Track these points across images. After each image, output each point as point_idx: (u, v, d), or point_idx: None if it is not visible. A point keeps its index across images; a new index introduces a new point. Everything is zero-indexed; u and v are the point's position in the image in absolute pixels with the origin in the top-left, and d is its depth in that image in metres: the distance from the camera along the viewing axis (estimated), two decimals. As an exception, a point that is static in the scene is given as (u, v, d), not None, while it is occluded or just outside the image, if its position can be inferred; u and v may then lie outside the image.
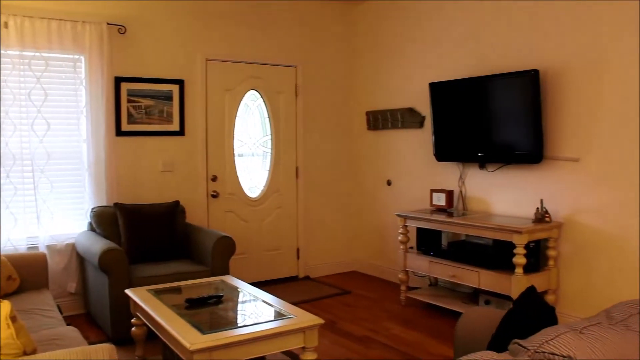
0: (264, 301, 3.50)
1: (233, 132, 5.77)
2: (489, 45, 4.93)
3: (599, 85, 4.18)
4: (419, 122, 5.60)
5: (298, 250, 6.24)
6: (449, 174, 5.33)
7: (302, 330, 3.07)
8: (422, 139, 5.60)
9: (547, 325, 1.99)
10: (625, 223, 4.07)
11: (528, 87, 4.43)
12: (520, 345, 1.58)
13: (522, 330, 2.05)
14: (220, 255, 4.59)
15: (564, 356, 1.47)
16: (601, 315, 1.88)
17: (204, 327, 2.97)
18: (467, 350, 2.57)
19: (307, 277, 6.27)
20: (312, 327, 3.10)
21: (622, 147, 4.06)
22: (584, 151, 4.29)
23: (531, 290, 2.27)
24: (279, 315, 3.21)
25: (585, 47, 4.25)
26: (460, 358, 1.51)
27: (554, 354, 1.48)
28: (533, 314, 2.16)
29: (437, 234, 5.15)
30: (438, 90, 5.17)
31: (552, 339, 1.53)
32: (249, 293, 3.71)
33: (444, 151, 5.17)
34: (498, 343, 2.11)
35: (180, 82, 5.38)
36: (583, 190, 4.30)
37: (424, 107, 5.53)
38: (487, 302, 4.66)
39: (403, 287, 5.20)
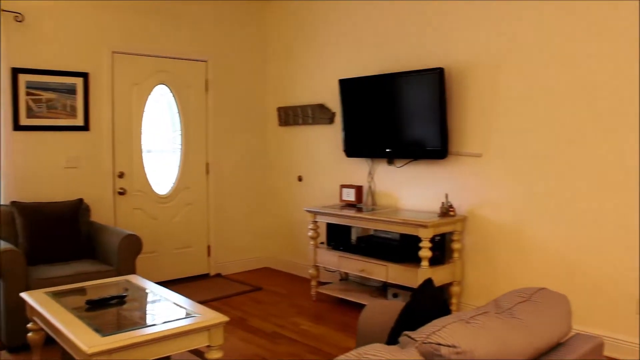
0: (169, 300, 3.43)
1: (141, 127, 5.61)
2: (398, 43, 5.03)
3: (498, 84, 4.35)
4: (329, 118, 5.65)
5: (209, 247, 6.15)
6: (358, 170, 5.41)
7: (207, 328, 3.03)
8: (333, 135, 5.65)
9: (441, 317, 2.05)
10: (522, 215, 4.27)
11: (434, 84, 4.55)
12: (409, 336, 1.61)
13: (419, 322, 2.10)
14: (126, 254, 4.46)
15: (449, 345, 1.51)
16: (490, 304, 1.95)
17: (104, 329, 2.87)
18: (369, 342, 2.61)
19: (218, 275, 6.19)
20: (217, 325, 3.06)
21: (520, 143, 4.25)
22: (486, 147, 4.46)
23: (428, 282, 2.33)
24: (183, 314, 3.15)
25: (486, 47, 4.41)
26: (350, 352, 1.52)
27: (440, 344, 1.52)
28: (429, 305, 2.21)
29: (347, 229, 5.21)
30: (347, 87, 5.23)
31: (439, 330, 1.57)
32: (154, 292, 3.62)
33: (354, 147, 5.23)
34: (396, 335, 2.15)
35: (85, 75, 5.17)
36: (485, 184, 4.48)
37: (334, 104, 5.58)
38: (395, 296, 4.77)
39: (314, 283, 5.23)
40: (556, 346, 1.91)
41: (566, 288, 4.07)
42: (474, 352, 1.52)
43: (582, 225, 3.98)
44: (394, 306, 2.70)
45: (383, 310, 2.71)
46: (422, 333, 1.59)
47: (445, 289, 4.68)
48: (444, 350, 1.51)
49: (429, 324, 1.65)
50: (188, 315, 3.12)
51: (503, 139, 4.35)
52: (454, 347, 1.51)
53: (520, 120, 4.25)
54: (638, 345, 3.76)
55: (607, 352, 3.90)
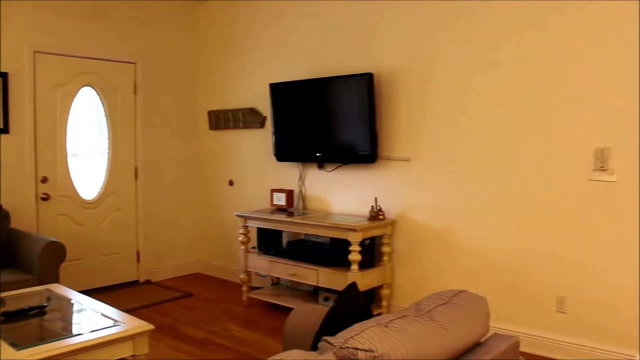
0: (92, 309, 3.32)
1: (66, 130, 5.43)
2: (328, 48, 5.06)
3: (427, 90, 4.44)
4: (260, 122, 5.62)
5: (138, 253, 6.01)
6: (289, 174, 5.41)
7: (131, 337, 2.95)
8: (264, 139, 5.63)
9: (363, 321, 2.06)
10: (450, 218, 4.37)
11: (363, 89, 4.60)
12: (327, 342, 1.61)
13: (343, 327, 2.11)
14: (48, 262, 4.30)
15: (366, 350, 1.52)
16: (411, 307, 1.98)
17: (20, 342, 2.75)
18: (295, 347, 2.60)
19: (148, 281, 6.06)
20: (142, 334, 2.99)
21: (447, 148, 4.35)
22: (414, 151, 4.54)
23: (352, 286, 2.34)
24: (106, 324, 3.06)
25: (415, 53, 4.50)
26: (269, 358, 1.51)
27: (357, 348, 1.53)
28: (353, 310, 2.23)
29: (278, 233, 5.20)
30: (278, 91, 5.22)
31: (357, 334, 1.58)
32: (77, 301, 3.50)
33: (284, 151, 5.23)
34: (320, 340, 2.16)
35: (4, 75, 4.96)
36: (414, 188, 4.56)
37: (265, 108, 5.57)
38: (326, 299, 4.79)
39: (245, 288, 5.19)
40: (474, 347, 1.95)
41: (491, 288, 4.19)
42: (390, 355, 1.53)
43: (507, 227, 4.11)
44: (321, 310, 2.71)
45: (309, 315, 2.71)
46: (340, 338, 1.60)
47: (375, 292, 4.74)
48: (361, 355, 1.52)
49: (348, 329, 1.65)
50: (111, 325, 3.03)
51: (431, 143, 4.44)
52: (371, 351, 1.52)
53: (448, 125, 4.35)
54: (558, 342, 3.91)
55: (529, 349, 4.04)
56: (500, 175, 4.11)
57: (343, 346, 1.56)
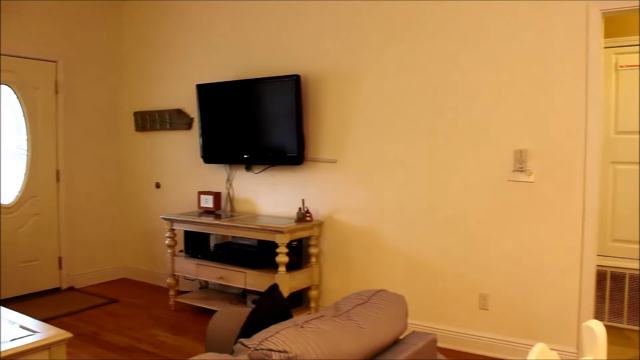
0: (7, 320, 3.17)
1: (-20, 131, 5.18)
2: (256, 49, 5.04)
3: (354, 92, 4.49)
4: (188, 124, 5.54)
5: (60, 259, 5.79)
6: (217, 176, 5.35)
7: (47, 347, 2.84)
8: (191, 140, 5.55)
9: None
10: (376, 220, 4.42)
11: (290, 91, 4.60)
12: (242, 344, 1.60)
13: (263, 329, 2.10)
14: (-41, 270, 4.09)
15: (280, 351, 1.52)
16: (330, 308, 1.99)
17: None
18: (217, 350, 2.57)
19: (71, 288, 5.85)
20: (59, 343, 2.88)
21: (373, 150, 4.41)
22: (341, 153, 4.58)
23: (273, 288, 2.34)
24: (21, 334, 2.93)
25: (342, 56, 4.54)
26: (180, 363, 1.49)
27: (271, 350, 1.53)
28: (273, 311, 2.22)
29: (205, 236, 5.13)
30: (205, 92, 5.16)
31: (272, 336, 1.58)
32: (-10, 310, 3.33)
33: (212, 153, 5.16)
34: (240, 342, 2.14)
35: None
36: (340, 190, 4.59)
37: (193, 109, 5.49)
38: (254, 302, 4.76)
39: (172, 292, 5.09)
40: (392, 345, 1.98)
41: (417, 287, 4.27)
42: (304, 355, 1.53)
43: (431, 227, 4.19)
44: (244, 313, 2.68)
45: (232, 318, 2.68)
46: (255, 340, 1.59)
47: (303, 293, 4.75)
48: (275, 356, 1.52)
49: (263, 331, 1.65)
50: (26, 335, 2.90)
51: (357, 145, 4.49)
52: (285, 352, 1.52)
53: (373, 127, 4.41)
54: (481, 338, 4.03)
55: (453, 346, 4.14)
56: (424, 176, 4.20)
57: (257, 348, 1.55)
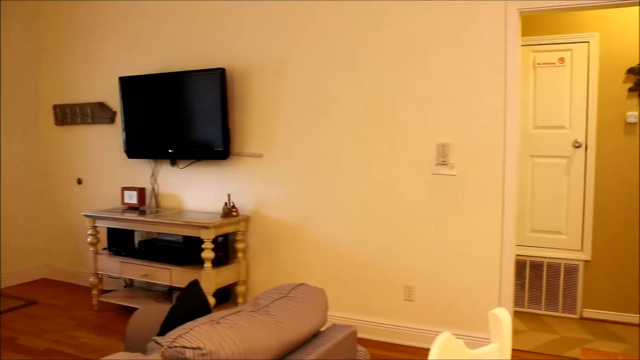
0: None
1: None
2: (181, 42, 4.93)
3: (280, 86, 4.46)
4: (110, 118, 5.37)
5: (-26, 260, 5.52)
6: (141, 171, 5.22)
7: (-46, 352, 2.69)
8: (114, 135, 5.39)
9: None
10: (303, 213, 4.42)
11: (216, 85, 4.53)
12: (156, 342, 1.56)
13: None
14: None
15: (194, 348, 1.49)
16: (250, 302, 1.97)
17: None
18: (137, 350, 2.51)
19: (-14, 290, 5.59)
20: (-33, 347, 2.73)
21: (300, 144, 4.40)
22: (267, 147, 4.55)
23: (193, 284, 2.29)
24: None
25: (269, 50, 4.50)
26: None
27: (185, 347, 1.49)
28: (193, 308, 2.18)
29: (129, 233, 5.00)
30: (128, 85, 5.01)
31: (186, 333, 1.54)
32: None
33: (135, 148, 5.03)
34: (158, 341, 2.09)
35: None
36: (267, 184, 4.56)
37: (115, 102, 5.33)
38: (180, 299, 4.67)
39: (95, 291, 4.93)
40: (311, 338, 1.98)
41: (344, 280, 4.30)
42: (219, 352, 1.51)
43: (357, 221, 4.23)
44: (164, 311, 2.62)
45: (153, 316, 2.62)
46: (168, 337, 1.55)
47: (231, 289, 4.70)
48: (189, 354, 1.48)
49: (178, 328, 1.61)
50: None
51: (284, 139, 4.47)
52: (199, 349, 1.49)
53: (300, 122, 4.40)
54: (406, 329, 4.10)
55: (379, 337, 4.19)
56: (350, 171, 4.23)
57: (171, 345, 1.51)
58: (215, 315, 1.71)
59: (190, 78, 4.69)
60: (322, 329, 2.10)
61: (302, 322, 1.86)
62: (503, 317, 1.20)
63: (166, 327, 2.13)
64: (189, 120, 4.72)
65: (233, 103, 4.66)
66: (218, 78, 4.51)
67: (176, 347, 1.50)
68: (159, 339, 1.56)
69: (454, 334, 3.95)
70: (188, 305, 2.17)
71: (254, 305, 1.92)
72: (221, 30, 4.71)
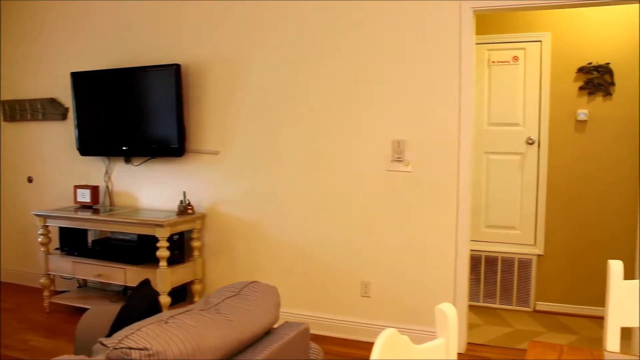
0: None
1: None
2: (135, 37, 4.84)
3: (236, 82, 4.42)
4: (62, 114, 5.24)
5: None
6: (94, 169, 5.10)
7: None
8: (66, 132, 5.26)
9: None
10: (260, 210, 4.39)
11: (170, 81, 4.47)
12: (101, 343, 1.52)
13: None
14: None
15: (140, 349, 1.46)
16: (201, 301, 1.94)
17: None
18: (86, 352, 2.45)
19: None
20: None
21: (256, 140, 4.37)
22: (223, 144, 4.50)
23: (144, 283, 2.25)
24: None
25: (224, 46, 4.45)
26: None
27: (131, 348, 1.46)
28: (143, 307, 2.14)
29: (83, 232, 4.89)
30: (81, 81, 4.89)
31: (132, 333, 1.51)
32: None
33: (88, 145, 4.91)
34: (107, 342, 2.04)
35: None
36: (223, 181, 4.52)
37: (67, 98, 5.20)
38: (136, 299, 4.59)
39: (46, 293, 4.81)
40: (263, 336, 1.96)
41: (301, 277, 4.29)
42: (167, 352, 1.48)
43: (315, 218, 4.22)
44: (115, 311, 2.57)
45: (103, 317, 2.56)
46: (114, 339, 1.51)
47: (187, 288, 4.64)
48: (134, 354, 1.45)
49: (125, 328, 1.57)
50: None
51: (241, 136, 4.43)
52: (146, 349, 1.46)
53: (257, 119, 4.37)
54: (363, 325, 4.11)
55: (336, 334, 4.20)
56: (307, 168, 4.22)
57: (116, 347, 1.48)
58: (164, 314, 1.68)
59: (144, 74, 4.60)
60: (275, 327, 2.09)
61: (253, 320, 1.84)
62: (449, 312, 1.21)
63: (116, 327, 2.09)
64: (144, 116, 4.64)
65: (189, 99, 4.60)
66: (173, 74, 4.45)
67: (122, 348, 1.46)
68: (105, 340, 1.52)
69: (410, 329, 4.00)
70: (138, 305, 2.13)
71: (204, 304, 1.89)
72: (175, 25, 4.64)
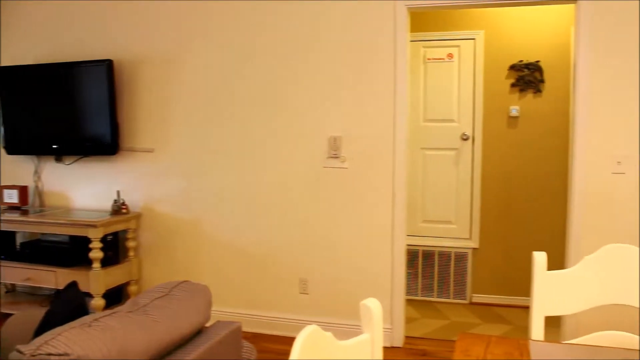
0: None
1: None
2: (68, 31, 4.67)
3: (172, 79, 4.33)
4: (-13, 112, 5.02)
5: None
6: (23, 169, 4.90)
7: None
8: (-8, 130, 5.04)
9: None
10: (197, 209, 4.33)
11: (103, 77, 4.34)
12: (18, 350, 1.45)
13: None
14: None
15: (60, 354, 1.40)
16: (129, 302, 1.89)
17: None
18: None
19: None
20: None
21: (193, 138, 4.30)
22: (159, 142, 4.41)
23: (70, 286, 2.18)
24: None
25: (159, 41, 4.35)
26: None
27: (50, 354, 1.40)
28: (70, 311, 2.07)
29: (10, 235, 4.70)
30: (8, 76, 4.69)
31: (52, 339, 1.45)
32: None
33: (16, 143, 4.72)
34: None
35: None
36: (159, 179, 4.43)
37: (-7, 95, 4.98)
38: (68, 302, 4.44)
39: (-28, 298, 4.61)
40: (194, 336, 1.93)
41: (240, 276, 4.26)
42: (89, 356, 1.43)
43: (253, 215, 4.19)
44: (40, 316, 2.48)
45: (29, 321, 2.47)
46: (33, 345, 1.45)
47: (123, 289, 4.53)
48: (54, 360, 1.40)
49: (45, 334, 1.51)
50: None
51: (177, 134, 4.35)
52: (66, 354, 1.41)
53: (193, 116, 4.29)
54: (301, 322, 4.11)
55: (275, 332, 4.18)
56: (245, 165, 4.18)
57: (34, 353, 1.42)
58: (88, 318, 1.62)
59: (76, 70, 4.46)
60: (207, 326, 2.05)
61: (182, 320, 1.80)
62: (373, 307, 1.21)
63: (40, 333, 2.01)
64: (75, 114, 4.49)
65: (122, 96, 4.48)
66: (105, 70, 4.32)
67: (41, 354, 1.40)
68: (22, 347, 1.45)
69: (349, 325, 4.02)
70: (64, 309, 2.06)
71: (132, 305, 1.84)
72: (108, 20, 4.50)
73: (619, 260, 1.84)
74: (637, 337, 1.81)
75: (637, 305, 1.83)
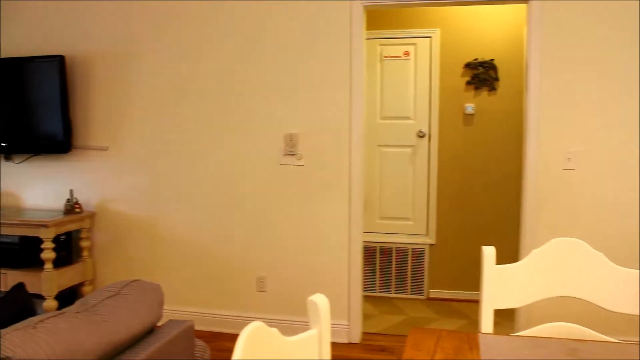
0: None
1: None
2: (17, 25, 4.55)
3: (127, 75, 4.26)
4: None
5: None
6: (-28, 168, 4.77)
7: None
8: (-61, 128, 4.88)
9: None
10: (153, 207, 4.27)
11: (54, 73, 4.24)
12: (-43, 354, 1.41)
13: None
14: None
15: (2, 358, 1.36)
16: (78, 303, 1.85)
17: None
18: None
19: None
20: None
21: (149, 135, 4.24)
22: (113, 139, 4.33)
23: (17, 287, 2.12)
24: None
25: (114, 36, 4.27)
26: None
27: (-9, 357, 1.37)
28: (15, 313, 2.02)
29: (-41, 235, 4.56)
30: (-47, 73, 4.55)
31: (-6, 341, 1.41)
32: None
33: (-36, 142, 4.58)
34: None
35: None
36: (114, 178, 4.35)
37: (-61, 92, 4.82)
38: (20, 304, 4.33)
39: None
40: (145, 335, 1.90)
41: (197, 274, 4.22)
42: (32, 357, 1.39)
43: (209, 213, 4.16)
44: (-12, 318, 2.41)
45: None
46: (-27, 348, 1.41)
47: (77, 290, 4.44)
48: (-4, 364, 1.36)
49: (-13, 336, 1.47)
50: None
51: (132, 131, 4.28)
52: (8, 358, 1.37)
53: (148, 113, 4.23)
54: (259, 320, 4.09)
55: (232, 330, 4.16)
56: (201, 163, 4.14)
57: (-25, 357, 1.37)
58: (33, 319, 1.58)
59: (26, 65, 4.34)
60: (159, 325, 2.03)
61: (133, 320, 1.78)
62: (321, 303, 1.21)
63: (-15, 335, 1.95)
64: (26, 111, 4.37)
65: (75, 93, 4.39)
66: (57, 66, 4.22)
67: (-19, 357, 1.36)
68: (-38, 350, 1.41)
69: (307, 322, 4.02)
70: (8, 312, 2.01)
71: (81, 305, 1.80)
72: (59, 13, 4.40)
73: (566, 254, 1.89)
74: (583, 327, 1.85)
75: (583, 298, 1.87)
